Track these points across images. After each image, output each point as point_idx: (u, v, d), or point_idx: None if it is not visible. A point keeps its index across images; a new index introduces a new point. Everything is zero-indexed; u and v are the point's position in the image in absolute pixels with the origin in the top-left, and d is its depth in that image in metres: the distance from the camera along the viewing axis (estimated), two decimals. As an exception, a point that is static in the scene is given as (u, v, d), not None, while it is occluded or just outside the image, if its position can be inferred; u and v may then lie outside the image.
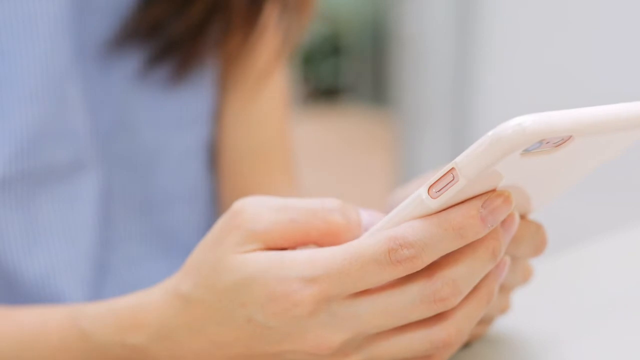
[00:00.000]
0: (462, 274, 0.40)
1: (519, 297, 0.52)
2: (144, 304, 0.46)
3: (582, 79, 1.96)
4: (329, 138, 3.78)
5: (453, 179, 0.39)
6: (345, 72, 4.11)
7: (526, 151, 0.38)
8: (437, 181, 0.39)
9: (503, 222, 0.42)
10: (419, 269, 0.40)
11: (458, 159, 0.38)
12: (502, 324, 0.53)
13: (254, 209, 0.43)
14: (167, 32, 0.63)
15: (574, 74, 1.97)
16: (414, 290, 0.41)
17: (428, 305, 0.41)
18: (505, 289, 0.48)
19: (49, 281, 0.59)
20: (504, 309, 0.49)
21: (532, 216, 0.46)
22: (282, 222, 0.42)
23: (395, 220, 0.41)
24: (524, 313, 0.54)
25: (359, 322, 0.41)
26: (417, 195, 0.40)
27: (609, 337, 0.53)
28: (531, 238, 0.45)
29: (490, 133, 0.37)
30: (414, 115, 2.22)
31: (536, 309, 0.56)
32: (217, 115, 0.70)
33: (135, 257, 0.66)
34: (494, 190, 0.40)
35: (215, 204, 0.72)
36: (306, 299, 0.40)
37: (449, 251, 0.40)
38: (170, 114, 0.65)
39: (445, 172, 0.39)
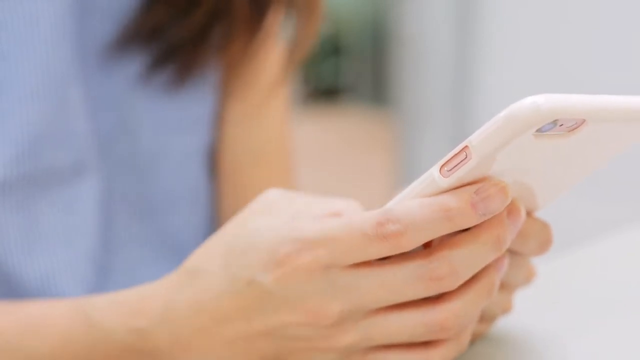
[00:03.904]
0: (460, 257, 0.40)
1: (520, 297, 0.52)
2: (150, 290, 0.47)
3: (583, 79, 1.96)
4: (329, 138, 3.78)
5: (465, 158, 0.38)
6: (345, 72, 4.12)
7: (539, 132, 0.38)
8: (449, 160, 0.39)
9: (509, 214, 0.42)
10: (406, 248, 0.40)
11: (472, 136, 0.38)
12: (503, 323, 0.53)
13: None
14: (169, 36, 0.63)
15: (574, 73, 1.97)
16: (411, 266, 0.41)
17: (424, 283, 0.41)
18: (507, 289, 0.48)
19: (50, 284, 0.59)
20: (506, 308, 0.49)
21: (537, 214, 0.46)
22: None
23: (406, 200, 0.41)
24: (525, 312, 0.54)
25: (356, 294, 0.41)
26: (429, 175, 0.40)
27: (609, 337, 0.53)
28: (537, 235, 0.45)
29: (504, 111, 0.37)
30: (414, 115, 2.22)
31: (537, 309, 0.56)
32: (218, 119, 0.70)
33: (136, 260, 0.66)
34: (486, 179, 0.40)
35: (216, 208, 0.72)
36: (304, 262, 0.41)
37: (438, 234, 0.40)
38: (171, 117, 0.65)
39: (458, 150, 0.39)
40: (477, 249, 0.41)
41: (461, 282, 0.41)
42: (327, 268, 0.41)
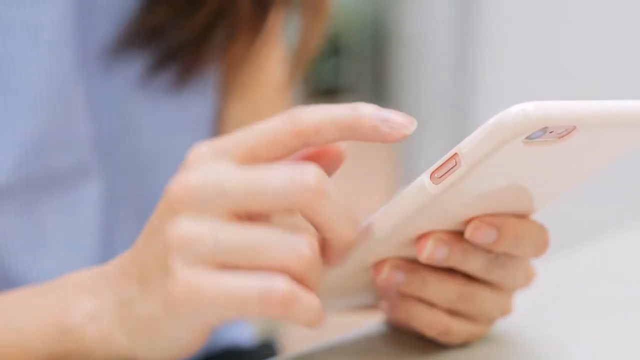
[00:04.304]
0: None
1: (520, 297, 0.52)
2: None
3: (583, 79, 1.96)
4: (329, 138, 3.77)
5: (455, 165, 0.39)
6: (345, 72, 4.11)
7: (529, 139, 0.38)
8: (439, 167, 0.39)
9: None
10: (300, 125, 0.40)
11: (461, 144, 0.38)
12: (503, 324, 0.53)
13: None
14: (171, 37, 0.63)
15: (574, 74, 1.97)
16: (286, 170, 0.39)
17: (289, 186, 0.38)
18: (507, 291, 0.48)
19: None
20: (505, 311, 0.49)
21: (533, 216, 0.46)
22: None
23: (397, 206, 0.41)
24: (524, 313, 0.54)
25: (226, 179, 0.39)
26: (419, 181, 0.40)
27: (609, 337, 0.53)
28: (533, 238, 0.45)
29: (493, 119, 0.37)
30: (414, 116, 2.21)
31: (536, 309, 0.56)
32: (220, 119, 0.70)
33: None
34: None
35: None
36: (208, 148, 0.40)
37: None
38: (172, 119, 0.65)
39: (448, 157, 0.39)
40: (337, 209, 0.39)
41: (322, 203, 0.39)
42: (221, 153, 0.40)
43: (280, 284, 0.37)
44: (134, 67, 0.63)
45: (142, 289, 0.41)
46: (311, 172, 0.39)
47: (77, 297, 0.44)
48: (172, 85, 0.64)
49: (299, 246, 0.38)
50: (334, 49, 4.02)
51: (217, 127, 0.70)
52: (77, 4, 0.60)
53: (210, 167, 0.40)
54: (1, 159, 0.56)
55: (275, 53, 0.71)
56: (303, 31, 0.67)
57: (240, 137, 0.41)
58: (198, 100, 0.66)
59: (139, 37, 0.63)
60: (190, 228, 0.39)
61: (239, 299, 0.37)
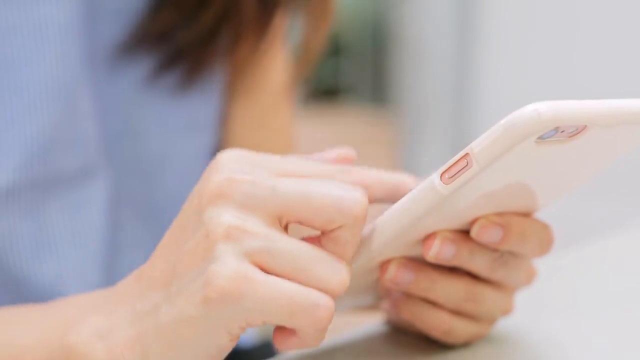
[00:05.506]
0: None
1: (520, 297, 0.52)
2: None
3: (583, 79, 1.96)
4: (329, 138, 3.78)
5: (467, 165, 0.38)
6: (345, 72, 4.12)
7: (541, 139, 0.38)
8: (450, 167, 0.39)
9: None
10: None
11: (473, 144, 0.38)
12: (503, 324, 0.53)
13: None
14: (177, 38, 0.63)
15: (575, 73, 1.97)
16: (332, 186, 0.39)
17: (336, 207, 0.38)
18: (508, 290, 0.48)
19: (58, 287, 0.59)
20: (506, 310, 0.49)
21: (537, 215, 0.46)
22: None
23: (406, 207, 0.41)
24: (525, 313, 0.54)
25: (273, 200, 0.38)
26: (429, 182, 0.40)
27: (610, 336, 0.53)
28: (538, 236, 0.45)
29: (505, 119, 0.37)
30: (414, 115, 2.22)
31: (537, 309, 0.56)
32: (225, 121, 0.70)
33: (142, 262, 0.66)
34: None
35: None
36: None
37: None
38: (178, 120, 0.65)
39: (459, 157, 0.39)
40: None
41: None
42: (255, 163, 0.40)
43: (329, 302, 0.37)
44: (140, 68, 0.63)
45: (170, 291, 0.39)
46: (363, 194, 0.39)
47: (84, 315, 0.43)
48: (177, 87, 0.64)
49: (341, 271, 0.38)
50: (334, 49, 4.02)
51: (223, 129, 0.70)
52: (83, 6, 0.60)
53: (251, 169, 0.39)
54: (7, 159, 0.56)
55: (280, 54, 0.70)
56: (307, 33, 0.67)
57: (277, 158, 0.41)
58: (203, 102, 0.66)
59: (146, 39, 0.62)
60: (240, 220, 0.38)
61: (293, 304, 0.37)
